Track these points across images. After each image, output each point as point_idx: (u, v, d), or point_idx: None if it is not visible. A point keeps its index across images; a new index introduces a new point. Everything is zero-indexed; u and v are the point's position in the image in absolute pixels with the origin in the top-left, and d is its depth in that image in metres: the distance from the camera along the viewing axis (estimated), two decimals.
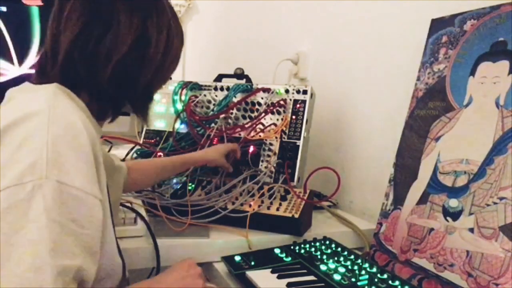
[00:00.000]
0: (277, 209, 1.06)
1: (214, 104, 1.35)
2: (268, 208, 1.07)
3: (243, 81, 1.44)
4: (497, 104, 0.85)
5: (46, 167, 0.52)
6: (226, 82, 1.38)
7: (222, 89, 1.36)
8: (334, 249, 0.96)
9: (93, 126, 0.65)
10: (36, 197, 0.50)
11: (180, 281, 0.71)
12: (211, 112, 1.33)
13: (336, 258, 0.89)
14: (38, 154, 0.52)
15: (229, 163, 1.18)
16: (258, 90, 1.30)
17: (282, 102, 1.25)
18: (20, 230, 0.49)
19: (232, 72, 1.50)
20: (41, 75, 0.67)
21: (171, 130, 1.36)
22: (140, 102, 0.73)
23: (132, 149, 1.33)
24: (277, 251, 0.95)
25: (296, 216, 1.03)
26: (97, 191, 0.56)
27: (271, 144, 1.24)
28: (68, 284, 0.51)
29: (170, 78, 0.83)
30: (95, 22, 0.63)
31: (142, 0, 0.67)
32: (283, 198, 1.10)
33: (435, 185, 0.93)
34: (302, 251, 0.95)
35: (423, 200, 0.95)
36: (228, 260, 0.91)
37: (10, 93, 0.65)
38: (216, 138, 1.27)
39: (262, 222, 1.05)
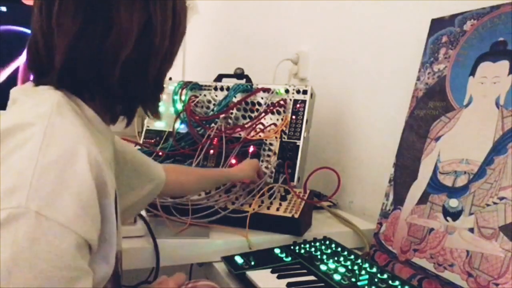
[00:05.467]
0: (277, 209, 1.06)
1: (214, 104, 1.35)
2: (268, 208, 1.07)
3: (243, 81, 1.44)
4: (497, 104, 0.85)
5: (27, 195, 0.45)
6: (226, 82, 1.38)
7: (222, 89, 1.36)
8: (334, 249, 0.96)
9: (102, 135, 0.61)
10: (7, 228, 0.44)
11: None
12: (211, 112, 1.33)
13: (336, 258, 0.89)
14: (22, 178, 0.46)
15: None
16: (258, 90, 1.30)
17: (282, 102, 1.25)
18: None
19: (232, 72, 1.49)
20: (40, 78, 0.60)
21: (171, 130, 1.36)
22: (151, 97, 0.66)
23: None
24: (277, 251, 0.95)
25: (296, 216, 1.03)
26: (83, 228, 0.49)
27: (271, 144, 1.24)
28: None
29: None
30: (93, 20, 0.56)
31: None
32: (283, 198, 1.10)
33: (435, 185, 0.93)
34: (302, 251, 0.95)
35: (423, 200, 0.95)
36: (228, 260, 0.91)
37: (14, 93, 0.60)
38: (216, 138, 1.27)
39: (262, 222, 1.04)
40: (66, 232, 0.47)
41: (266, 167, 1.21)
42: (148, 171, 0.87)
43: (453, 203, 0.88)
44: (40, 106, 0.54)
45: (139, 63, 0.60)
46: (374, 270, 0.85)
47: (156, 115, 0.68)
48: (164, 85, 0.67)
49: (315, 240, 1.00)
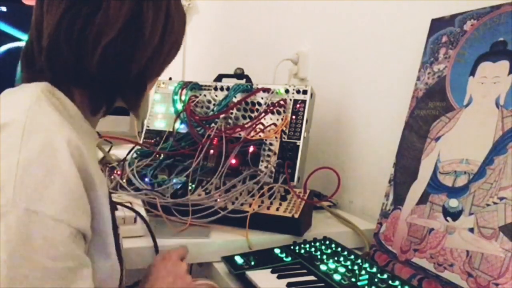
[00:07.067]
0: (277, 209, 1.06)
1: (214, 104, 1.35)
2: (268, 208, 1.07)
3: (243, 81, 1.44)
4: (497, 104, 0.85)
5: (14, 192, 0.46)
6: (226, 82, 1.38)
7: (222, 89, 1.36)
8: (334, 249, 0.96)
9: (85, 132, 0.61)
10: None
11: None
12: (211, 112, 1.33)
13: (336, 258, 0.89)
14: (6, 176, 0.46)
15: None
16: (258, 90, 1.30)
17: (282, 102, 1.25)
18: None
19: (232, 72, 1.49)
20: (29, 67, 0.62)
21: (171, 130, 1.36)
22: (131, 92, 0.65)
23: (132, 149, 1.33)
24: (277, 251, 0.95)
25: (296, 216, 1.03)
26: (74, 218, 0.49)
27: (271, 144, 1.24)
28: None
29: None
30: (82, 1, 0.57)
31: None
32: (283, 198, 1.10)
33: (435, 185, 0.93)
34: (302, 251, 0.95)
35: (423, 200, 0.95)
36: (228, 260, 0.91)
37: (3, 93, 0.61)
38: (216, 138, 1.26)
39: (262, 222, 1.04)
40: (57, 224, 0.48)
41: (266, 167, 1.21)
42: None
43: (453, 203, 0.88)
44: (20, 101, 0.55)
45: (122, 52, 0.60)
46: (374, 270, 0.85)
47: (136, 112, 0.69)
48: (148, 86, 0.67)
49: (315, 240, 1.00)
